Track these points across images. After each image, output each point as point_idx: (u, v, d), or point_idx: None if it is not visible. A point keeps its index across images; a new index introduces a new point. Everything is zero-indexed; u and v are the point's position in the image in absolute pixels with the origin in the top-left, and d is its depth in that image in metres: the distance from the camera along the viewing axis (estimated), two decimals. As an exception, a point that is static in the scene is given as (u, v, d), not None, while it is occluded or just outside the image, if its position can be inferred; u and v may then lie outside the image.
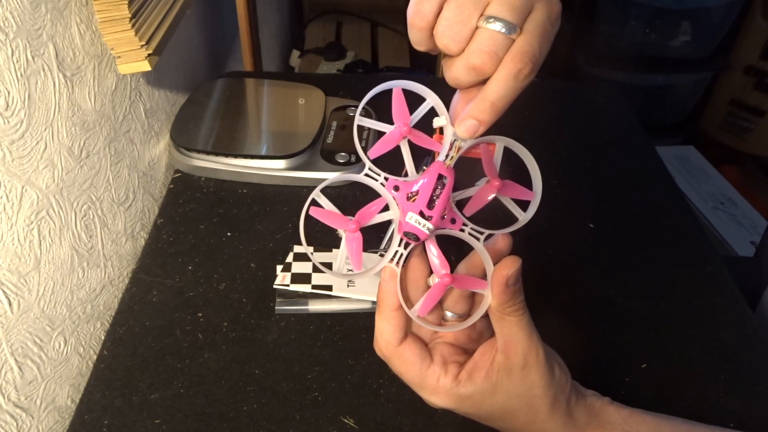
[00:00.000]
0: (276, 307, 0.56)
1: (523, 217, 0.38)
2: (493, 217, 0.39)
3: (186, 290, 0.57)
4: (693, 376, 0.52)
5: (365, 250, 0.40)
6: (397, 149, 0.36)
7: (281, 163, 0.69)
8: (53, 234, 0.48)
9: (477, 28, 0.30)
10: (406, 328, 0.38)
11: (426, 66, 1.62)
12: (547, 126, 0.82)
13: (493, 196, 0.38)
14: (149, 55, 0.54)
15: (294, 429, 0.47)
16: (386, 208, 0.37)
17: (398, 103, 0.35)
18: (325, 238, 0.61)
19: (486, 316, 0.38)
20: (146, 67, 0.54)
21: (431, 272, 0.38)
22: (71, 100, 0.50)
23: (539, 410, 0.38)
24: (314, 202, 0.36)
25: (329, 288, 0.57)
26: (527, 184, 0.38)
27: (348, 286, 0.57)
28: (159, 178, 0.70)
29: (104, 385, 0.50)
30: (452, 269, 0.38)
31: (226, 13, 0.99)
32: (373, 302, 0.56)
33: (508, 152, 0.38)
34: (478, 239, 0.38)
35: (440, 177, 0.35)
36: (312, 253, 0.38)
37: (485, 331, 0.41)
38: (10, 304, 0.43)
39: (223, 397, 0.49)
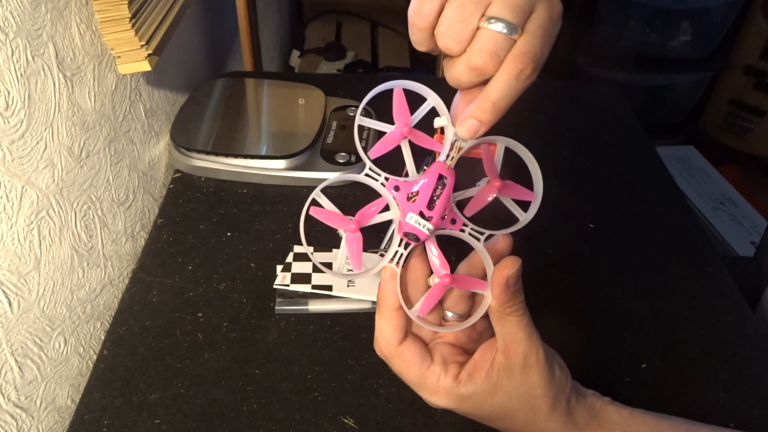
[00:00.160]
0: (276, 307, 0.56)
1: (524, 218, 0.38)
2: (493, 217, 0.39)
3: (186, 290, 0.57)
4: (693, 376, 0.52)
5: (365, 250, 0.40)
6: (398, 149, 0.36)
7: (281, 163, 0.69)
8: (53, 234, 0.48)
9: (478, 28, 0.30)
10: (406, 328, 0.38)
11: (426, 66, 1.62)
12: (547, 126, 0.82)
13: (493, 196, 0.38)
14: (149, 55, 0.54)
15: (294, 429, 0.47)
16: (386, 209, 0.37)
17: (399, 103, 0.35)
18: (325, 238, 0.61)
19: (486, 316, 0.38)
20: (146, 67, 0.54)
21: (431, 272, 0.38)
22: (71, 100, 0.50)
23: (539, 410, 0.38)
24: (314, 202, 0.36)
25: (329, 288, 0.57)
26: (528, 184, 0.38)
27: (348, 286, 0.57)
28: (159, 178, 0.70)
29: (104, 385, 0.50)
30: (452, 269, 0.38)
31: (226, 13, 0.99)
32: (373, 302, 0.56)
33: (508, 152, 0.38)
34: (478, 240, 0.38)
35: (441, 177, 0.35)
36: (312, 253, 0.38)
37: (485, 331, 0.41)
38: (10, 304, 0.43)
39: (223, 397, 0.49)
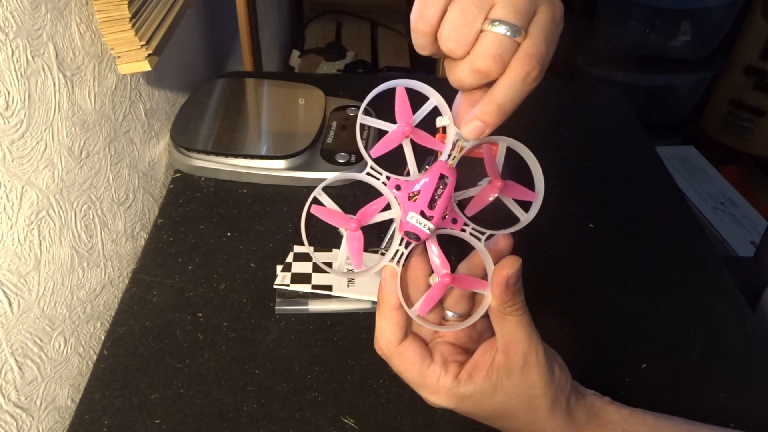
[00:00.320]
0: (276, 307, 0.56)
1: (525, 218, 0.38)
2: (494, 217, 0.39)
3: (186, 290, 0.57)
4: (693, 376, 0.52)
5: (366, 249, 0.39)
6: (399, 148, 0.36)
7: (281, 163, 0.69)
8: (53, 234, 0.48)
9: (482, 31, 0.30)
10: (406, 327, 0.38)
11: (426, 66, 1.62)
12: (547, 126, 0.82)
13: (494, 196, 0.38)
14: (149, 55, 0.54)
15: (294, 429, 0.47)
16: (387, 208, 0.37)
17: (401, 102, 0.35)
18: (325, 238, 0.61)
19: (486, 315, 0.38)
20: (146, 67, 0.54)
21: (432, 272, 0.38)
22: (71, 100, 0.50)
23: (539, 410, 0.38)
24: (316, 201, 0.36)
25: (329, 288, 0.57)
26: (528, 184, 0.38)
27: (348, 285, 0.57)
28: (159, 178, 0.70)
29: (104, 385, 0.50)
30: (453, 269, 0.38)
31: (226, 13, 0.99)
32: (373, 302, 0.56)
33: (509, 152, 0.38)
34: (479, 239, 0.38)
35: (442, 177, 0.35)
36: (312, 252, 0.38)
37: (485, 330, 0.41)
38: (10, 304, 0.43)
39: (223, 397, 0.49)
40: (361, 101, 0.35)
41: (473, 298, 0.40)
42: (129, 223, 0.62)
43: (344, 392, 0.50)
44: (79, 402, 0.49)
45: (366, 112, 0.36)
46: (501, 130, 0.34)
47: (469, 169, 0.39)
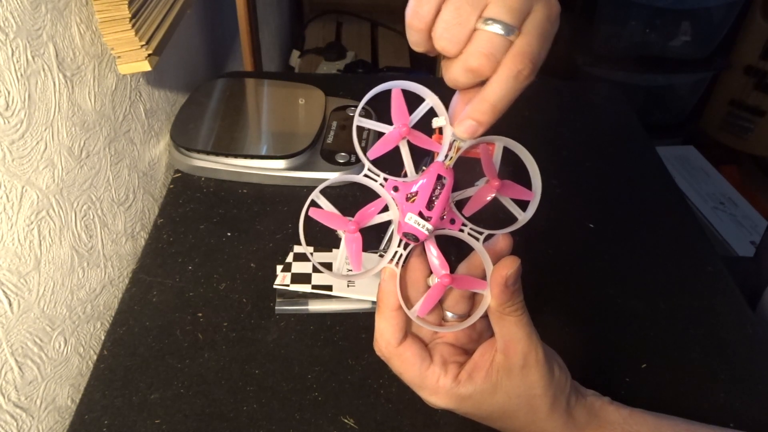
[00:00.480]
0: (276, 307, 0.56)
1: (523, 217, 0.38)
2: (492, 217, 0.39)
3: (186, 290, 0.57)
4: (693, 376, 0.52)
5: (365, 250, 0.40)
6: (397, 150, 0.36)
7: (281, 163, 0.69)
8: (53, 234, 0.48)
9: (475, 29, 0.30)
10: (406, 328, 0.38)
11: (426, 66, 1.62)
12: (547, 126, 0.82)
13: (492, 196, 0.38)
14: (149, 55, 0.54)
15: (294, 429, 0.47)
16: (386, 209, 0.37)
17: (397, 104, 0.35)
18: (325, 238, 0.61)
19: (486, 316, 0.38)
20: (146, 67, 0.54)
21: (431, 272, 0.38)
22: (71, 100, 0.50)
23: (539, 410, 0.38)
24: (314, 203, 0.36)
25: (329, 288, 0.57)
26: (527, 184, 0.38)
27: (348, 286, 0.57)
28: (159, 178, 0.70)
29: (104, 385, 0.50)
30: (452, 269, 0.38)
31: (226, 13, 0.99)
32: (373, 302, 0.56)
33: (507, 152, 0.38)
34: (477, 239, 0.38)
35: (439, 177, 0.35)
36: (312, 254, 0.38)
37: (485, 331, 0.41)
38: (10, 304, 0.43)
39: (223, 397, 0.49)
40: (361, 101, 0.35)
41: (473, 299, 0.40)
42: (129, 223, 0.62)
43: (344, 392, 0.50)
44: (79, 402, 0.49)
45: (365, 113, 0.36)
46: (499, 130, 0.34)
47: (467, 170, 0.39)
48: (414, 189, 0.35)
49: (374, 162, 0.36)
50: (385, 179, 0.36)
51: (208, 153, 0.69)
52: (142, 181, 0.65)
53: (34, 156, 0.45)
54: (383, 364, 0.40)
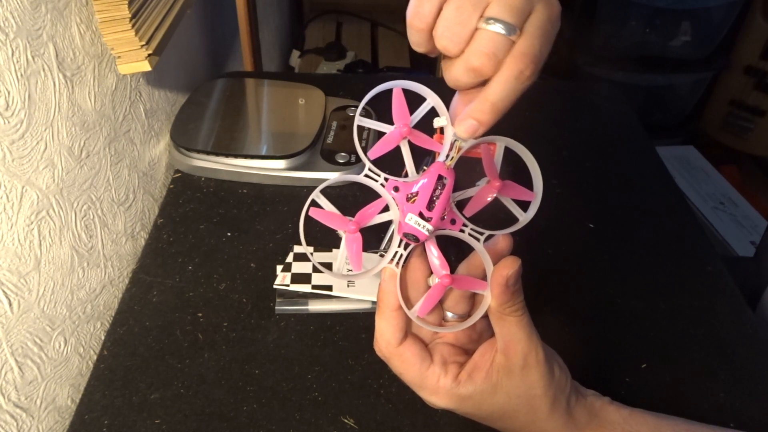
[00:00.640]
0: (276, 307, 0.56)
1: (524, 218, 0.38)
2: (493, 217, 0.39)
3: (186, 290, 0.57)
4: (693, 376, 0.52)
5: (365, 250, 0.40)
6: (398, 149, 0.36)
7: (281, 163, 0.69)
8: (53, 234, 0.48)
9: (476, 29, 0.30)
10: (406, 328, 0.38)
11: (426, 66, 1.62)
12: (547, 126, 0.82)
13: (493, 196, 0.38)
14: (149, 55, 0.54)
15: (294, 429, 0.47)
16: (386, 209, 0.37)
17: (398, 104, 0.35)
18: (325, 238, 0.61)
19: (486, 316, 0.38)
20: (146, 67, 0.54)
21: (431, 273, 0.38)
22: (71, 100, 0.50)
23: (539, 410, 0.38)
24: (314, 203, 0.36)
25: (329, 288, 0.57)
26: (527, 184, 0.38)
27: (348, 286, 0.57)
28: (159, 178, 0.70)
29: (104, 385, 0.50)
30: (452, 270, 0.38)
31: (226, 13, 0.99)
32: (373, 302, 0.56)
33: (508, 152, 0.38)
34: (478, 240, 0.38)
35: (440, 178, 0.35)
36: (312, 254, 0.38)
37: (485, 331, 0.41)
38: (10, 304, 0.43)
39: (223, 397, 0.49)
40: (361, 101, 0.35)
41: (473, 299, 0.40)
42: (129, 223, 0.62)
43: (344, 392, 0.50)
44: (79, 402, 0.49)
45: (366, 113, 0.36)
46: (500, 130, 0.34)
47: (468, 170, 0.39)
48: (414, 189, 0.35)
49: (375, 162, 0.36)
50: (386, 179, 0.36)
51: (208, 153, 0.69)
52: (142, 181, 0.65)
53: (34, 156, 0.45)
54: (383, 364, 0.40)
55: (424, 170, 0.36)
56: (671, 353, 0.54)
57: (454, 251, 0.40)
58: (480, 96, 0.32)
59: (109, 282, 0.58)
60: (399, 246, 0.37)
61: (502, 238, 0.38)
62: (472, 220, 0.38)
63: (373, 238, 0.60)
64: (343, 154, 0.70)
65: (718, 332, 0.56)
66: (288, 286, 0.57)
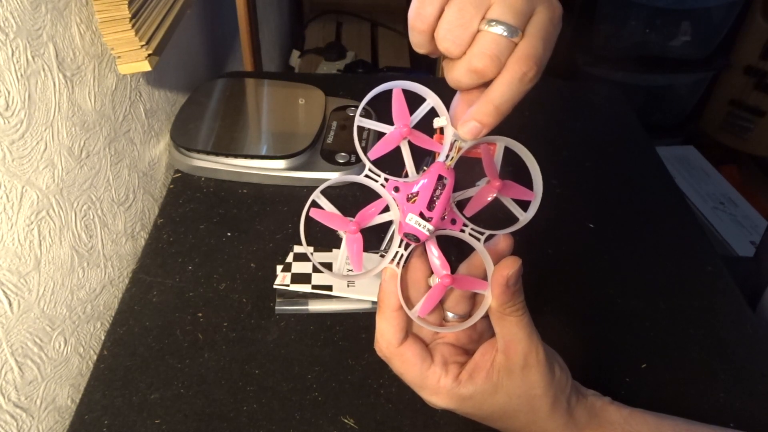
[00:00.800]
0: (276, 307, 0.56)
1: (524, 218, 0.38)
2: (493, 217, 0.39)
3: (186, 290, 0.57)
4: (693, 376, 0.52)
5: (366, 250, 0.39)
6: (398, 150, 0.36)
7: (281, 163, 0.69)
8: (53, 234, 0.48)
9: (478, 31, 0.30)
10: (406, 328, 0.38)
11: (426, 66, 1.62)
12: (547, 126, 0.82)
13: (493, 196, 0.38)
14: (149, 55, 0.54)
15: (294, 429, 0.47)
16: (386, 209, 0.37)
17: (398, 104, 0.35)
18: (325, 238, 0.61)
19: (486, 316, 0.38)
20: (146, 67, 0.54)
21: (432, 273, 0.38)
22: (71, 100, 0.50)
23: (540, 410, 0.38)
24: (315, 203, 0.36)
25: (329, 288, 0.57)
26: (528, 184, 0.38)
27: (348, 286, 0.57)
28: (159, 178, 0.70)
29: (104, 385, 0.50)
30: (453, 270, 0.38)
31: (226, 13, 0.99)
32: (373, 302, 0.56)
33: (508, 152, 0.38)
34: (478, 240, 0.38)
35: (440, 178, 0.35)
36: (312, 254, 0.38)
37: (486, 331, 0.41)
38: (10, 304, 0.43)
39: (223, 397, 0.49)
40: (361, 101, 0.35)
41: (473, 299, 0.40)
42: (129, 223, 0.62)
43: (344, 392, 0.50)
44: (79, 402, 0.49)
45: (366, 113, 0.36)
46: (500, 130, 0.34)
47: (468, 170, 0.39)
48: (415, 189, 0.35)
49: (375, 162, 0.36)
50: (386, 179, 0.36)
51: (208, 153, 0.69)
52: (142, 181, 0.65)
53: (34, 156, 0.45)
54: (383, 364, 0.40)
55: (425, 170, 0.36)
56: (671, 353, 0.54)
57: (455, 251, 0.40)
58: (482, 98, 0.32)
59: (109, 282, 0.58)
60: (399, 246, 0.37)
61: (503, 238, 0.38)
62: (472, 220, 0.38)
63: (374, 238, 0.60)
64: (343, 154, 0.70)
65: (718, 332, 0.56)
66: (288, 286, 0.57)
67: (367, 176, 0.36)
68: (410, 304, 0.38)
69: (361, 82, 0.94)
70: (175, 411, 0.48)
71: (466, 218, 0.38)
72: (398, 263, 0.37)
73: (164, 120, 0.71)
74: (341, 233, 0.37)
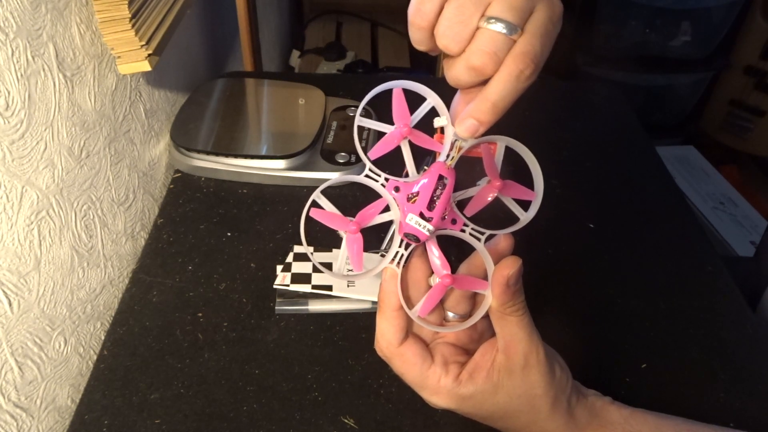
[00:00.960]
0: (276, 307, 0.56)
1: (525, 217, 0.38)
2: (494, 217, 0.39)
3: (186, 290, 0.57)
4: (693, 376, 0.52)
5: (366, 250, 0.39)
6: (398, 150, 0.36)
7: (281, 163, 0.69)
8: (53, 234, 0.48)
9: (478, 28, 0.30)
10: (407, 328, 0.38)
11: (426, 66, 1.62)
12: (547, 126, 0.82)
13: (494, 196, 0.38)
14: (149, 55, 0.54)
15: (294, 429, 0.47)
16: (387, 209, 0.37)
17: (398, 104, 0.35)
18: (325, 238, 0.61)
19: (487, 316, 0.38)
20: (146, 67, 0.54)
21: (432, 273, 0.38)
22: (71, 100, 0.50)
23: (540, 410, 0.38)
24: (315, 203, 0.36)
25: (329, 288, 0.57)
26: (528, 183, 0.38)
27: (348, 286, 0.57)
28: (159, 178, 0.70)
29: (104, 385, 0.50)
30: (453, 270, 0.38)
31: (226, 13, 0.99)
32: (374, 302, 0.56)
33: (508, 152, 0.38)
34: (478, 240, 0.38)
35: (441, 177, 0.35)
36: (312, 254, 0.38)
37: (486, 331, 0.41)
38: (10, 304, 0.43)
39: (223, 397, 0.49)
40: (361, 101, 0.35)
41: (474, 299, 0.40)
42: (129, 223, 0.62)
43: (344, 392, 0.50)
44: (79, 402, 0.49)
45: (366, 113, 0.36)
46: (500, 129, 0.34)
47: (468, 169, 0.39)
48: (415, 189, 0.35)
49: (375, 162, 0.36)
50: (386, 179, 0.36)
51: (208, 153, 0.69)
52: (142, 181, 0.65)
53: (34, 156, 0.45)
54: (383, 364, 0.40)
55: (425, 170, 0.36)
56: (671, 353, 0.54)
57: (455, 251, 0.40)
58: (480, 95, 0.32)
59: (109, 282, 0.58)
60: (400, 246, 0.37)
61: (503, 237, 0.38)
62: (472, 219, 0.38)
63: (374, 238, 0.60)
64: (343, 154, 0.70)
65: (718, 332, 0.56)
66: (288, 286, 0.57)
67: (367, 176, 0.36)
68: (410, 304, 0.38)
69: (361, 82, 0.94)
70: (175, 411, 0.48)
71: (467, 218, 0.38)
72: (398, 263, 0.37)
73: (164, 120, 0.71)
74: (341, 233, 0.37)
